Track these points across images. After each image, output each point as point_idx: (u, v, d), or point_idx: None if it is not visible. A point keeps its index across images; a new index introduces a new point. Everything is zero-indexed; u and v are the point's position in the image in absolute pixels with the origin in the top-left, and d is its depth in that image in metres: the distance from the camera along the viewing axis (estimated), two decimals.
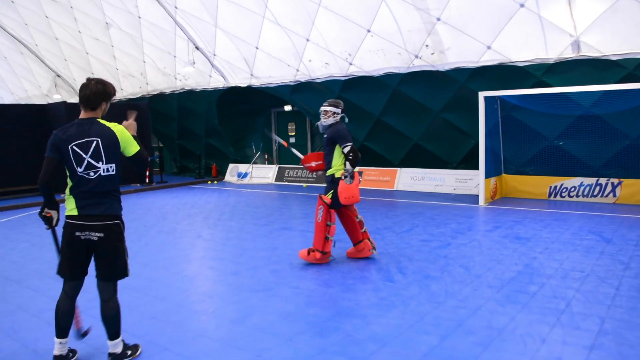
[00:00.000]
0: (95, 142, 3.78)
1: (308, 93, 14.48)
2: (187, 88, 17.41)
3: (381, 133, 14.18)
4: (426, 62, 11.81)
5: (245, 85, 15.71)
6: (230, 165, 18.32)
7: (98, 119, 3.87)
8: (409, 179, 14.01)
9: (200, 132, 18.69)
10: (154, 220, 10.65)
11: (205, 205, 12.55)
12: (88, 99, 3.83)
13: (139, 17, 15.26)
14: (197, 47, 15.11)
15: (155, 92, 18.59)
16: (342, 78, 13.34)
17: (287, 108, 17.29)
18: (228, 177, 18.17)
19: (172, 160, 21.57)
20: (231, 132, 18.11)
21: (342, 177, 6.27)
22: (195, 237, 8.79)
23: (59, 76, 21.09)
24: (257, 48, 13.93)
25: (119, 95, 20.05)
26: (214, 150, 19.06)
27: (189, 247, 8.17)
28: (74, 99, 21.05)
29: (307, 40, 12.86)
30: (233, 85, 16.02)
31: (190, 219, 10.63)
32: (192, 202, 13.22)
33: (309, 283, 5.90)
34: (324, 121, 6.47)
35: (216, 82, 16.43)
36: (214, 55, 15.17)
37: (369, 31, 11.81)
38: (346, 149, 6.21)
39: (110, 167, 3.82)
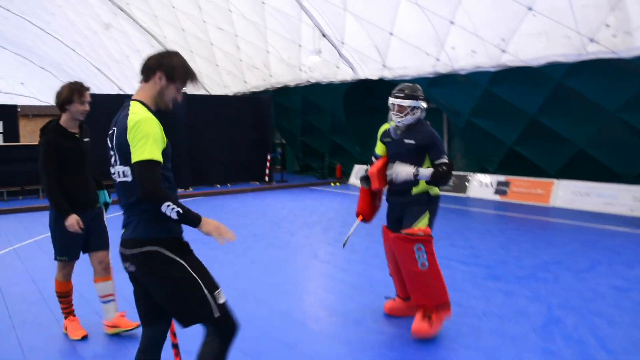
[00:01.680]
0: (112, 131, 2.74)
1: (449, 87, 12.45)
2: (313, 81, 16.05)
3: (536, 136, 11.81)
4: (604, 47, 9.34)
5: (376, 77, 13.98)
6: (356, 167, 16.73)
7: (137, 100, 2.75)
8: (569, 193, 11.51)
9: (325, 128, 17.30)
10: (266, 229, 9.26)
11: (326, 213, 11.02)
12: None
13: (263, 3, 14.08)
14: (323, 35, 13.63)
15: (279, 85, 17.46)
16: (492, 69, 11.17)
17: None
18: (353, 180, 16.60)
19: (295, 157, 20.44)
20: (358, 130, 16.48)
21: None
22: (311, 257, 7.23)
23: None
24: (391, 34, 12.13)
25: (243, 88, 19.23)
26: (339, 149, 17.59)
27: (302, 271, 6.63)
28: (199, 91, 20.62)
29: (451, 23, 10.85)
30: (362, 77, 14.36)
31: (307, 230, 9.12)
32: (312, 208, 11.76)
33: None
34: (400, 120, 4.36)
35: (344, 74, 14.87)
36: (342, 43, 13.61)
37: (530, 9, 9.57)
38: (443, 161, 4.27)
39: (125, 170, 2.65)
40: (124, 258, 2.71)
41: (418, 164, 4.29)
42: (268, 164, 16.58)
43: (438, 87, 12.66)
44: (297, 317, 4.87)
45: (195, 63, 19.87)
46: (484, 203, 12.20)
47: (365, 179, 4.59)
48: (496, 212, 11.02)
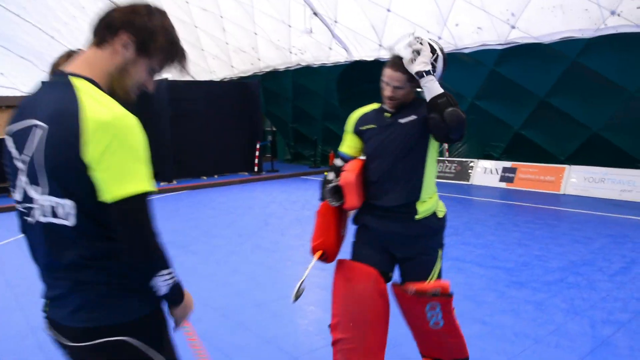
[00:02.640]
0: (21, 131, 1.61)
1: (451, 68, 11.35)
2: (304, 64, 15.06)
3: (545, 119, 10.94)
4: (627, 20, 8.45)
5: (372, 59, 13.02)
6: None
7: (82, 77, 1.60)
8: (582, 180, 10.66)
9: (317, 115, 16.36)
10: (253, 227, 8.36)
11: (318, 206, 10.11)
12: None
13: None
14: (315, 13, 12.64)
15: (268, 69, 16.46)
16: (499, 47, 10.25)
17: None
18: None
19: (286, 145, 19.49)
20: None
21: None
22: (305, 262, 6.33)
23: None
24: (388, 10, 11.17)
25: (230, 73, 18.21)
26: (333, 136, 16.65)
27: (294, 283, 5.72)
28: (184, 77, 19.56)
29: None
30: (357, 59, 13.40)
31: (299, 227, 8.22)
32: (304, 200, 10.86)
33: None
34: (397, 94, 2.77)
35: (337, 56, 13.90)
36: (335, 22, 12.63)
37: None
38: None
39: (62, 205, 1.53)
40: (66, 349, 1.65)
41: (421, 155, 2.77)
42: (257, 153, 15.64)
43: None
44: (288, 349, 3.97)
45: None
46: (489, 191, 11.35)
47: (335, 191, 2.83)
48: (504, 201, 10.16)
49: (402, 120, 2.75)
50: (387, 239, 2.83)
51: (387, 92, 2.73)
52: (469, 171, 12.58)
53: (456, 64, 11.30)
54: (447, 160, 13.20)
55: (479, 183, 12.21)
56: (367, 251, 2.86)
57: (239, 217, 9.23)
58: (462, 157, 13.34)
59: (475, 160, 12.65)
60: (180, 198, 12.03)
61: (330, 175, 2.93)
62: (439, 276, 2.83)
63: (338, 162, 3.00)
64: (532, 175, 11.44)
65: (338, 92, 14.91)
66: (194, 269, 6.17)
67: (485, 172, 12.28)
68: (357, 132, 2.95)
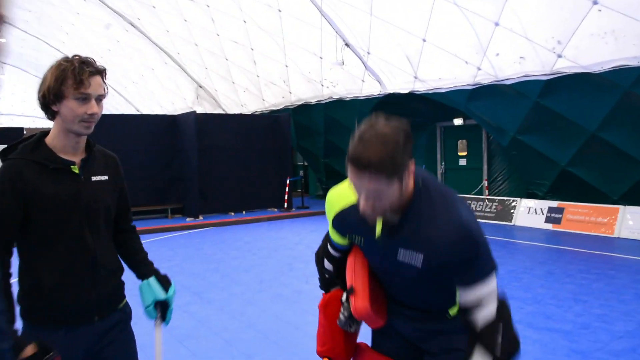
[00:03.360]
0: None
1: (491, 99, 10.81)
2: (336, 97, 14.54)
3: (595, 155, 10.06)
4: None
5: (406, 91, 12.41)
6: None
7: None
8: (639, 222, 9.70)
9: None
10: (276, 271, 7.69)
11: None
12: None
13: (279, 11, 12.69)
14: (347, 44, 12.16)
15: (299, 103, 16.00)
16: (544, 77, 9.51)
17: (458, 122, 13.69)
18: None
19: (317, 181, 18.89)
20: None
21: None
22: None
23: (200, 87, 19.46)
24: (424, 40, 10.58)
25: (261, 107, 17.83)
26: None
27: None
28: (216, 110, 19.30)
29: (496, 24, 9.26)
30: (391, 91, 12.81)
31: None
32: None
33: None
34: (375, 209, 1.69)
35: (370, 89, 13.34)
36: (368, 53, 12.11)
37: (595, 3, 7.94)
38: (490, 310, 1.73)
39: None
40: None
41: (438, 301, 1.95)
42: (287, 189, 15.07)
43: (479, 100, 11.02)
44: None
45: (211, 80, 18.62)
46: (534, 233, 10.45)
47: (349, 321, 2.03)
48: (551, 245, 9.26)
49: (401, 257, 1.79)
50: (412, 335, 2.08)
51: (362, 205, 1.67)
52: (512, 211, 11.70)
53: (497, 96, 10.60)
54: (487, 199, 12.36)
55: (523, 224, 11.32)
56: (390, 344, 2.13)
57: (263, 260, 8.59)
58: (504, 196, 12.49)
59: (517, 199, 11.78)
60: (205, 235, 11.49)
61: (327, 265, 2.18)
62: None
63: (331, 250, 2.15)
64: (581, 216, 10.51)
65: None
66: (205, 321, 5.52)
67: (529, 212, 11.39)
68: (341, 232, 2.03)
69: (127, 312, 2.25)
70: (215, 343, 4.91)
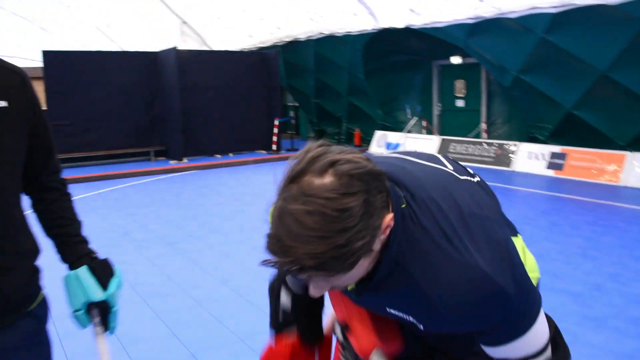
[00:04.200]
0: None
1: (493, 36, 10.00)
2: (326, 32, 13.63)
3: (604, 97, 9.38)
4: None
5: (401, 26, 11.52)
6: (378, 133, 14.43)
7: None
8: None
9: (342, 89, 14.96)
10: (259, 219, 7.08)
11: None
12: None
13: None
14: None
15: (289, 39, 15.07)
16: (553, 10, 8.70)
17: (456, 60, 12.87)
18: (374, 147, 14.32)
19: (309, 122, 18.18)
20: (380, 91, 14.12)
21: None
22: None
23: (184, 22, 18.38)
24: None
25: (248, 44, 16.87)
26: (358, 113, 15.27)
27: None
28: (197, 47, 18.30)
29: None
30: (385, 26, 11.93)
31: None
32: None
33: None
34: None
35: (363, 24, 12.42)
36: None
37: None
38: None
39: None
40: None
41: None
42: (276, 131, 14.37)
43: (480, 35, 10.22)
44: None
45: (194, 14, 17.56)
46: (534, 180, 9.88)
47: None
48: (554, 193, 8.71)
49: (393, 312, 1.21)
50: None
51: (312, 292, 1.06)
52: (511, 156, 11.10)
53: (500, 31, 9.81)
54: (485, 143, 11.73)
55: (522, 170, 10.74)
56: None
57: (246, 207, 8.01)
58: (503, 140, 11.86)
59: (517, 143, 11.15)
60: (187, 179, 10.88)
61: (285, 300, 1.47)
62: None
63: (294, 286, 1.46)
64: (585, 162, 9.91)
65: (364, 65, 13.47)
66: (175, 276, 4.97)
67: (529, 157, 10.79)
68: None
69: (40, 316, 1.51)
70: (184, 302, 4.38)
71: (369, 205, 0.91)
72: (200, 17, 17.35)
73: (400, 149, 13.35)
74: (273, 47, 15.76)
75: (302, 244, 0.88)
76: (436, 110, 13.98)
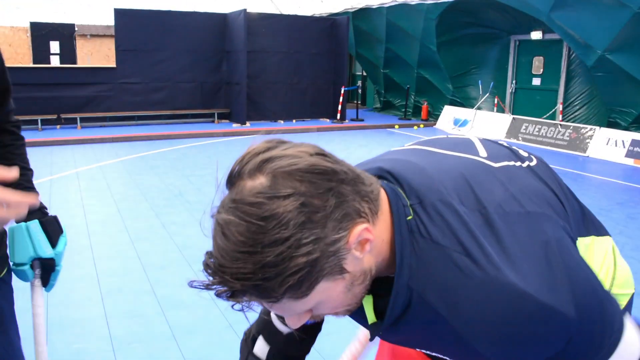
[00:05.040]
0: None
1: (580, 9, 9.29)
2: (400, 0, 13.14)
3: None
4: None
5: None
6: (447, 108, 13.92)
7: None
8: None
9: (412, 60, 14.48)
10: None
11: None
12: None
13: None
14: None
15: (360, 6, 14.66)
16: None
17: (536, 35, 12.13)
18: (441, 123, 13.84)
19: (375, 93, 17.77)
20: (452, 64, 13.57)
21: None
22: None
23: None
24: None
25: (319, 9, 16.55)
26: (427, 86, 14.76)
27: None
28: (266, 10, 18.12)
29: None
30: None
31: None
32: None
33: None
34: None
35: None
36: None
37: None
38: None
39: None
40: None
41: None
42: (341, 99, 14.11)
43: (565, 9, 9.52)
44: None
45: None
46: (611, 168, 9.22)
47: None
48: (633, 184, 8.08)
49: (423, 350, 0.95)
50: None
51: (292, 323, 0.83)
52: (587, 141, 10.41)
53: (588, 5, 9.11)
54: (560, 125, 11.06)
55: (598, 156, 10.06)
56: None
57: None
58: (580, 123, 11.15)
59: (595, 127, 10.44)
60: (247, 144, 10.73)
61: (260, 349, 1.12)
62: None
63: (279, 324, 1.14)
64: None
65: (436, 36, 12.93)
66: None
67: (607, 143, 10.08)
68: None
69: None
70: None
71: (313, 212, 0.69)
72: None
73: (469, 126, 12.82)
74: (344, 13, 15.40)
75: (230, 262, 0.70)
76: (510, 87, 13.30)
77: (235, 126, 12.95)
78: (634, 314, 0.98)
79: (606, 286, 1.07)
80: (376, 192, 0.79)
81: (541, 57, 12.54)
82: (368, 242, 0.76)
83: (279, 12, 17.57)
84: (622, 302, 1.11)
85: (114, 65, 12.81)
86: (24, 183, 1.43)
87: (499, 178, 0.90)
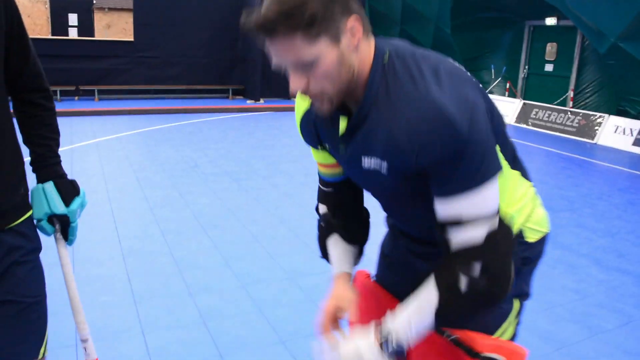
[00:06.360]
0: None
1: None
2: None
3: None
4: None
5: None
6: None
7: None
8: None
9: (426, 42, 14.52)
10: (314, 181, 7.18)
11: None
12: None
13: None
14: None
15: None
16: None
17: (550, 21, 12.17)
18: None
19: None
20: (466, 47, 13.63)
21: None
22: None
23: None
24: None
25: None
26: None
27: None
28: None
29: None
30: None
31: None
32: None
33: None
34: (312, 88, 1.16)
35: None
36: None
37: None
38: (476, 233, 1.15)
39: None
40: None
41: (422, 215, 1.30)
42: None
43: None
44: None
45: None
46: (618, 155, 9.36)
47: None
48: (636, 171, 8.23)
49: (365, 165, 1.26)
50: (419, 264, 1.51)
51: (292, 84, 1.17)
52: (596, 128, 10.52)
53: None
54: (570, 111, 11.16)
55: (606, 144, 10.18)
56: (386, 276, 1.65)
57: (305, 165, 8.07)
58: (590, 110, 11.24)
59: (605, 115, 10.54)
60: (260, 120, 11.05)
61: (323, 209, 1.63)
62: (512, 339, 1.43)
63: (322, 188, 1.63)
64: None
65: (452, 19, 13.00)
66: (236, 210, 5.14)
67: (616, 131, 10.20)
68: (311, 142, 1.51)
69: (28, 235, 1.55)
70: (242, 236, 4.54)
71: (330, 2, 1.06)
72: None
73: None
74: None
75: (276, 2, 1.04)
76: (523, 73, 13.37)
77: (250, 102, 13.16)
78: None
79: (520, 219, 1.35)
80: (368, 26, 1.16)
81: (555, 44, 12.59)
82: (357, 37, 1.12)
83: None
84: (535, 237, 1.40)
85: (131, 38, 13.02)
86: (48, 158, 1.61)
87: (460, 69, 1.21)
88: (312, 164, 7.06)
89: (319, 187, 1.63)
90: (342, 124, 1.26)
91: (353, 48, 1.12)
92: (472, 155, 1.09)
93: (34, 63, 1.55)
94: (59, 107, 10.80)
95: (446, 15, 13.01)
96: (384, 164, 1.19)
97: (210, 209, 5.19)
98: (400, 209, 1.43)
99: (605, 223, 5.39)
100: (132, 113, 10.96)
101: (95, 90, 12.33)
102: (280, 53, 1.11)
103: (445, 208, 1.15)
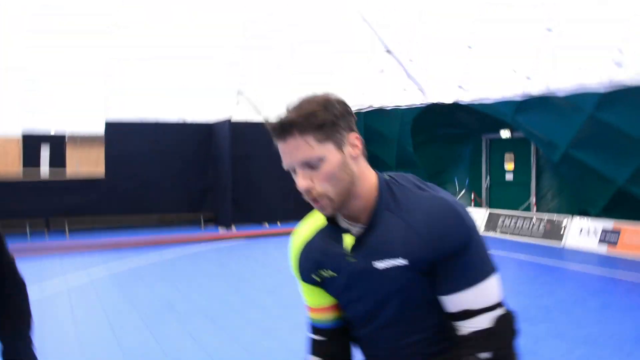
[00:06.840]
0: None
1: (542, 112, 10.02)
2: (376, 106, 13.96)
3: None
4: None
5: (450, 101, 11.71)
6: None
7: None
8: None
9: (391, 160, 15.10)
10: (294, 305, 7.15)
11: None
12: None
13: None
14: (387, 50, 11.58)
15: None
16: (602, 90, 8.70)
17: (505, 134, 12.90)
18: None
19: None
20: (428, 163, 14.21)
21: None
22: None
23: (240, 93, 19.19)
24: (470, 47, 9.91)
25: None
26: None
27: None
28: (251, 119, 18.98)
29: (549, 30, 8.53)
30: (434, 102, 12.15)
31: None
32: None
33: None
34: (321, 193, 1.33)
35: (412, 98, 12.70)
36: (410, 61, 11.49)
37: None
38: (481, 319, 1.31)
39: None
40: None
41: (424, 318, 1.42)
42: None
43: (527, 112, 10.25)
44: None
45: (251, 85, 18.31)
46: (586, 257, 9.58)
47: None
48: (607, 272, 8.41)
49: (378, 264, 1.36)
50: None
51: (300, 184, 1.35)
52: (561, 232, 10.84)
53: (548, 109, 9.84)
54: (535, 217, 11.53)
55: (574, 245, 10.45)
56: None
57: (290, 280, 8.06)
58: (553, 213, 11.63)
59: (568, 217, 10.91)
60: (233, 249, 11.09)
61: None
62: None
63: (315, 336, 1.61)
64: None
65: (413, 137, 13.66)
66: (215, 353, 5.04)
67: (581, 232, 10.52)
68: (309, 281, 1.56)
69: None
70: None
71: (341, 112, 1.32)
72: (255, 86, 18.08)
73: None
74: None
75: (296, 108, 1.30)
76: (485, 183, 13.90)
77: (221, 230, 13.25)
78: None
79: None
80: (365, 150, 1.39)
81: (512, 154, 13.24)
82: (357, 151, 1.34)
83: (263, 120, 18.41)
84: None
85: (102, 170, 13.33)
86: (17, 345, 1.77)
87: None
88: (288, 295, 7.03)
89: (310, 338, 1.60)
90: (347, 239, 1.42)
91: (354, 158, 1.34)
92: (475, 247, 1.31)
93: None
94: (29, 243, 10.72)
95: (407, 135, 13.66)
96: (404, 262, 1.34)
97: (189, 353, 5.08)
98: (401, 327, 1.43)
99: (584, 330, 5.43)
100: (104, 247, 10.90)
101: (66, 223, 12.36)
102: (293, 151, 1.31)
103: (456, 303, 1.32)
